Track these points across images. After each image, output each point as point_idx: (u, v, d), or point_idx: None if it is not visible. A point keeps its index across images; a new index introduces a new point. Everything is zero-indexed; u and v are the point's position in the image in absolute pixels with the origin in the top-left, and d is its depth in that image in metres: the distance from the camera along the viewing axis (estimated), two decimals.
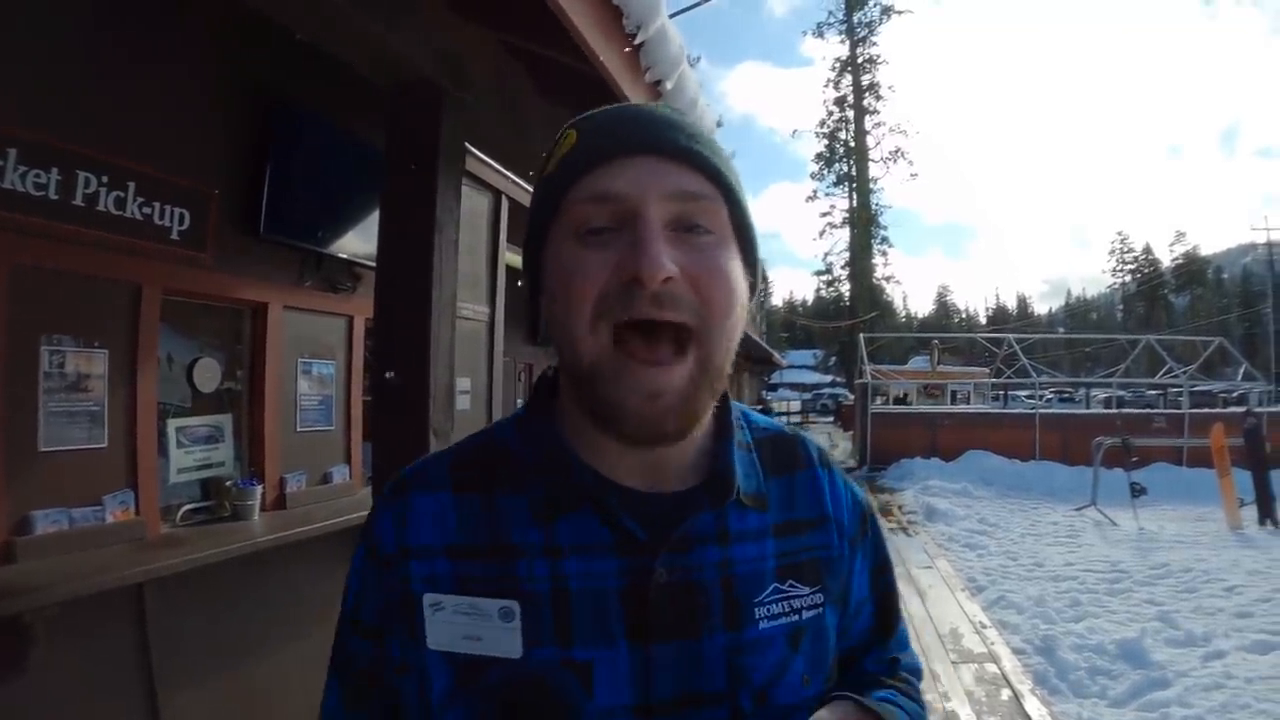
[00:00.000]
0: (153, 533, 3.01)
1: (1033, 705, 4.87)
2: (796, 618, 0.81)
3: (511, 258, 5.27)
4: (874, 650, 0.95)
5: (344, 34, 2.49)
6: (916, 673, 0.99)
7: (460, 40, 2.71)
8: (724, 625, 0.76)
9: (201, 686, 3.09)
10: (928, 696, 4.95)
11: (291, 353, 3.81)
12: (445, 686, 0.74)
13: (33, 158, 2.53)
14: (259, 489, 3.49)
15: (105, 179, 2.75)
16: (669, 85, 2.79)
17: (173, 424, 3.22)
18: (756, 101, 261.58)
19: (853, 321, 43.14)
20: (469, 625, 0.74)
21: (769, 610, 0.79)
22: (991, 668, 5.56)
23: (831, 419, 42.07)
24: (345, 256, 4.00)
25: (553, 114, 3.57)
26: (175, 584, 2.87)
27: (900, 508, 13.21)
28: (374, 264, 3.90)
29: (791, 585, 0.82)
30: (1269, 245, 52.00)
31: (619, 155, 0.72)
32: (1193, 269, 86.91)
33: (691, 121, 0.78)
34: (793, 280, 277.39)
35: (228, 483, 3.42)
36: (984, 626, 6.60)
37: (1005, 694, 5.07)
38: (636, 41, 2.48)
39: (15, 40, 2.56)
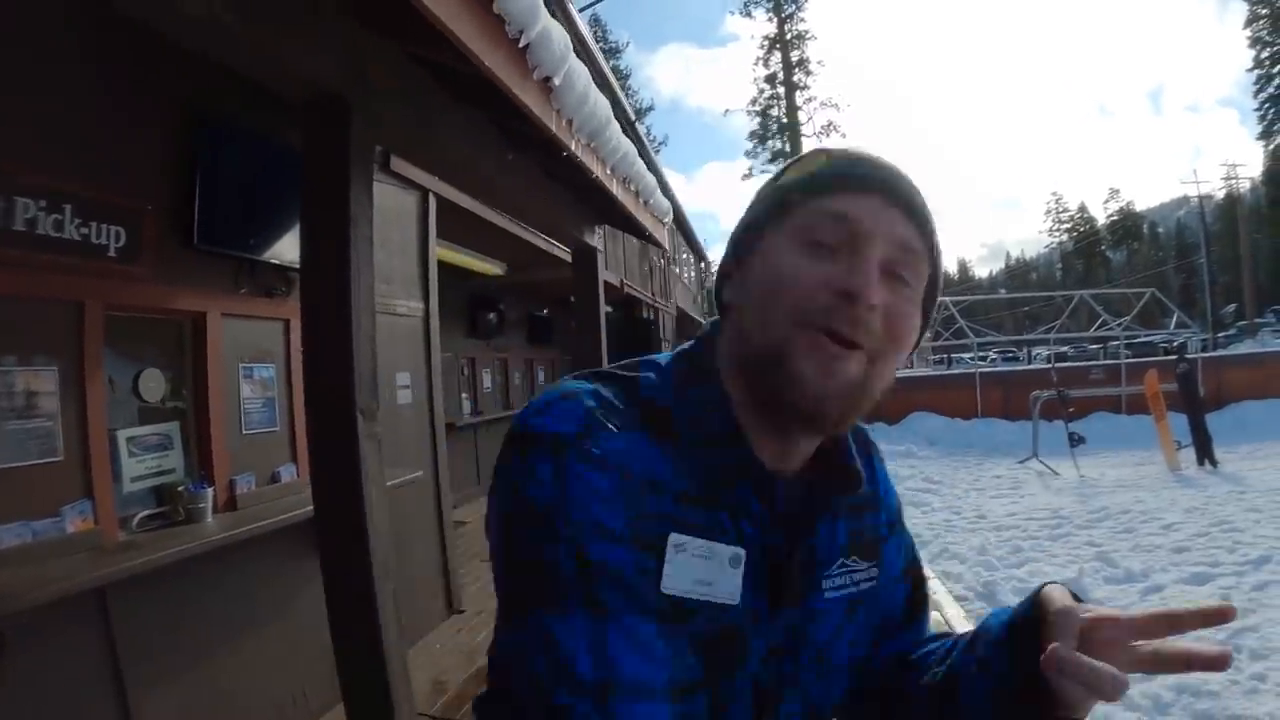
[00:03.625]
0: (111, 540, 3.09)
1: None
2: (854, 589, 0.92)
3: (443, 254, 5.39)
4: (910, 627, 1.04)
5: (249, 55, 2.63)
6: None
7: (362, 51, 2.85)
8: (805, 593, 0.87)
9: (168, 682, 3.19)
10: None
11: (232, 359, 3.89)
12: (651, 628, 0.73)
13: None
14: (210, 492, 3.57)
15: (43, 203, 2.83)
16: (557, 81, 2.98)
17: (123, 434, 3.30)
18: (684, 82, 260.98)
19: None
20: (704, 569, 0.76)
21: (834, 582, 0.90)
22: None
23: None
24: (277, 262, 4.08)
25: (461, 116, 3.72)
26: (136, 587, 2.97)
27: None
28: None
29: (854, 560, 0.93)
30: (1200, 199, 53.38)
31: (867, 189, 0.80)
32: (1128, 225, 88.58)
33: (917, 184, 0.84)
34: None
35: (180, 488, 3.49)
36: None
37: None
38: (521, 45, 2.66)
39: None
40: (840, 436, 0.92)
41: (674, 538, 0.75)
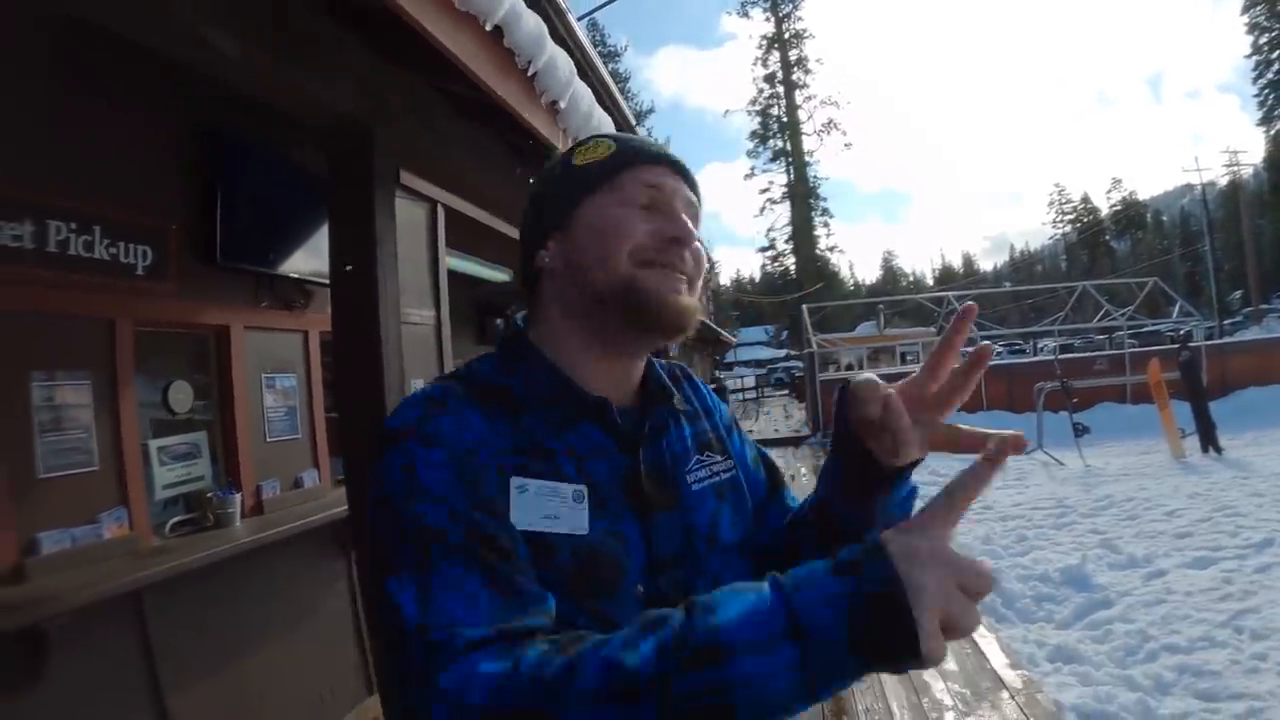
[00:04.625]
0: (146, 545, 3.24)
1: (978, 631, 5.12)
2: (717, 478, 1.09)
3: (452, 263, 5.49)
4: (777, 498, 1.22)
5: (279, 87, 2.78)
6: None
7: (381, 80, 3.01)
8: (674, 493, 1.03)
9: (202, 681, 3.32)
10: None
11: (255, 369, 4.04)
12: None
13: (7, 211, 2.76)
14: (238, 497, 3.72)
15: (74, 225, 2.98)
16: (563, 104, 3.14)
17: (154, 444, 3.45)
18: (683, 84, 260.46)
19: (799, 295, 43.25)
20: (549, 505, 0.89)
21: (696, 475, 1.07)
22: None
23: (786, 392, 42.46)
24: (296, 276, 4.22)
25: (472, 133, 3.89)
26: (170, 589, 3.11)
27: None
28: (322, 280, 4.16)
29: (707, 455, 1.11)
30: (1202, 186, 53.20)
31: (665, 164, 1.05)
32: (1131, 214, 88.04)
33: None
34: (738, 259, 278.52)
35: (208, 494, 3.64)
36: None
37: None
38: (529, 74, 2.82)
39: None
40: (650, 364, 1.13)
41: (515, 480, 0.87)
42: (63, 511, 2.94)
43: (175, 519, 3.53)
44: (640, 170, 1.03)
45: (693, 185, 1.08)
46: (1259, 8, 56.94)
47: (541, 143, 3.31)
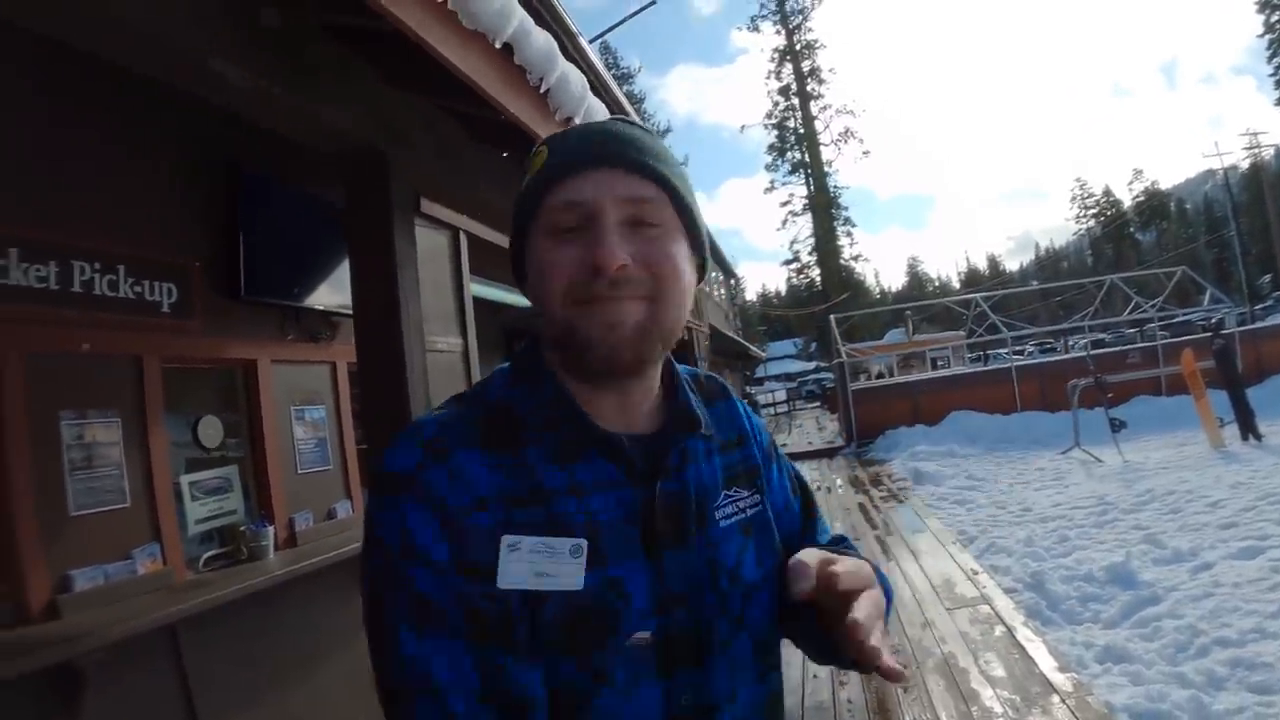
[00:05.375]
0: (180, 579, 3.26)
1: (1024, 636, 5.03)
2: (744, 515, 1.02)
3: (478, 289, 5.52)
4: (808, 534, 1.15)
5: (292, 116, 2.81)
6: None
7: (395, 107, 3.04)
8: (697, 529, 0.95)
9: (239, 714, 3.33)
10: (924, 643, 5.21)
11: (284, 402, 4.07)
12: None
13: (32, 254, 2.81)
14: (271, 530, 3.73)
15: (98, 265, 3.03)
16: (578, 119, 3.13)
17: (185, 479, 3.48)
18: (697, 102, 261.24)
19: (826, 305, 43.00)
20: (542, 563, 0.84)
21: (724, 511, 0.99)
22: (984, 609, 5.74)
23: (818, 404, 42.26)
24: (321, 308, 4.26)
25: (488, 157, 3.90)
26: (205, 623, 3.13)
27: (890, 476, 13.40)
28: (347, 312, 4.18)
29: (735, 491, 1.03)
30: (1224, 171, 52.58)
31: (584, 169, 0.91)
32: (1154, 204, 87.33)
33: (642, 135, 0.97)
34: (763, 273, 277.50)
35: (241, 528, 3.65)
36: (975, 573, 6.77)
37: (999, 630, 5.21)
38: (542, 90, 2.82)
39: (8, 143, 2.84)
40: (677, 388, 1.04)
41: (506, 539, 0.83)
42: (95, 548, 2.97)
43: (209, 553, 3.55)
44: (563, 187, 0.91)
45: (637, 166, 0.93)
46: None
47: None
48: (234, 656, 3.35)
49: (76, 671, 2.61)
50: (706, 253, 1.03)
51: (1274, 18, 56.72)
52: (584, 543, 0.87)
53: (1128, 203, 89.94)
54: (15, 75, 2.90)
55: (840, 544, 1.14)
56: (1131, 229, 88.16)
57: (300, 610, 3.74)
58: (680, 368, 1.09)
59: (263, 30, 2.47)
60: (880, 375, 26.88)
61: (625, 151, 0.93)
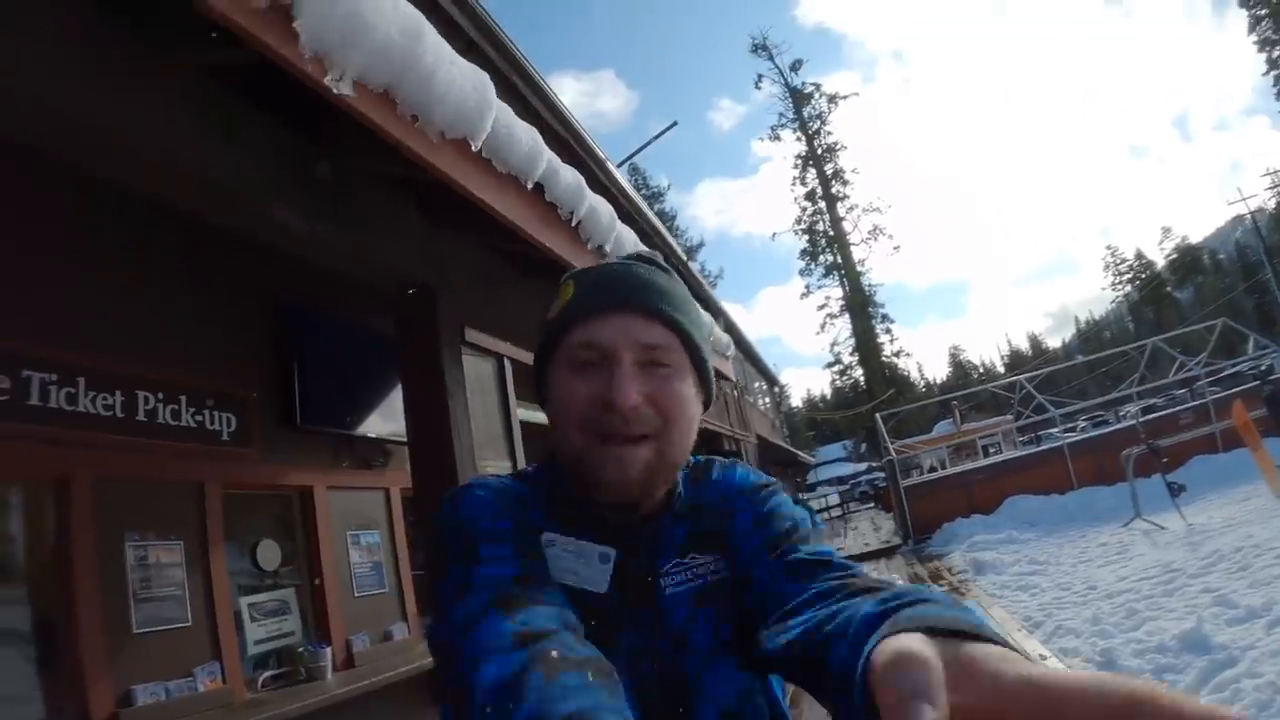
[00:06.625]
0: (239, 698, 3.36)
1: None
2: (698, 582, 1.04)
3: (525, 414, 5.69)
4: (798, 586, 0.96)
5: (344, 256, 3.08)
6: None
7: (439, 245, 3.31)
8: (647, 596, 1.01)
9: None
10: None
11: (340, 527, 4.23)
12: None
13: (99, 383, 3.05)
14: (329, 651, 3.83)
15: (161, 395, 3.27)
16: (608, 248, 3.39)
17: (244, 601, 3.61)
18: (726, 215, 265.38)
19: (870, 405, 42.49)
20: (571, 561, 0.97)
21: (671, 579, 1.03)
22: None
23: (872, 504, 41.44)
24: (374, 436, 4.46)
25: (528, 287, 4.17)
26: None
27: (950, 570, 13.05)
28: (400, 440, 4.38)
29: (691, 558, 1.05)
30: (1252, 215, 52.04)
31: (605, 312, 0.99)
32: (1188, 260, 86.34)
33: (658, 279, 1.05)
34: (807, 378, 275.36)
35: (299, 649, 3.76)
36: (1043, 658, 6.53)
37: None
38: (573, 223, 3.08)
39: (82, 279, 3.12)
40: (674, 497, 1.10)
41: (545, 536, 0.97)
42: (157, 665, 3.11)
43: (267, 673, 3.65)
44: (583, 327, 1.00)
45: (654, 313, 1.00)
46: (1265, 23, 56.76)
47: None
48: None
49: None
50: (712, 386, 1.11)
51: (1276, 53, 57.03)
52: (612, 551, 0.99)
53: (1161, 262, 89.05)
54: (95, 228, 3.18)
55: (900, 598, 0.79)
56: (1168, 288, 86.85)
57: None
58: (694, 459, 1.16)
59: (318, 179, 2.73)
60: (933, 469, 26.46)
61: (642, 297, 1.02)
